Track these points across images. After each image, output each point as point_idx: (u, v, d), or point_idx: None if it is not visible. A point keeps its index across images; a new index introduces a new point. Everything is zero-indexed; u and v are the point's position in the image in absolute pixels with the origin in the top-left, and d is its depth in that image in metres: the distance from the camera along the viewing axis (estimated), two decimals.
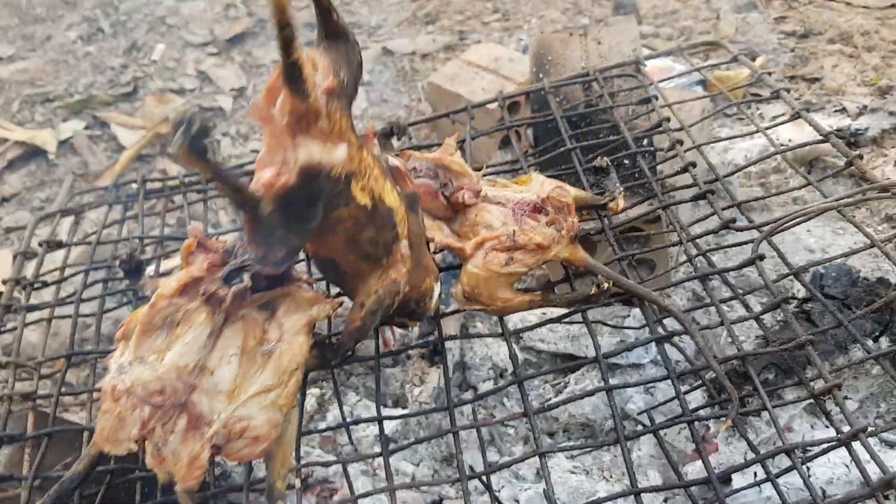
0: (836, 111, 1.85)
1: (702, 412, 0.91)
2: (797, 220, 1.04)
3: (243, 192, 0.65)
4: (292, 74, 0.64)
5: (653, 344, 1.35)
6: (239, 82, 2.37)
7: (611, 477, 1.25)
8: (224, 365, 0.76)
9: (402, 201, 0.83)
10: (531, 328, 1.03)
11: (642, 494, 0.83)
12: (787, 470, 0.81)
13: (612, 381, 0.96)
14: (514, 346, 1.41)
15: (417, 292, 0.90)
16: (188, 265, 0.82)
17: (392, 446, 0.97)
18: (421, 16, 2.52)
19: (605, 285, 0.96)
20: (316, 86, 0.68)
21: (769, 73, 1.26)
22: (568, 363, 1.39)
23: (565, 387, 1.36)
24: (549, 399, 1.34)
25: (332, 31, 0.76)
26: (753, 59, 1.95)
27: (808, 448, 0.90)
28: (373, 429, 1.33)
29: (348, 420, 0.99)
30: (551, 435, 1.33)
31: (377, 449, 1.30)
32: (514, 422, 1.36)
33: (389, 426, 1.38)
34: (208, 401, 0.75)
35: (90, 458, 0.79)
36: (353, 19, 2.55)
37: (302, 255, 1.05)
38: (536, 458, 1.26)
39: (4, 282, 1.16)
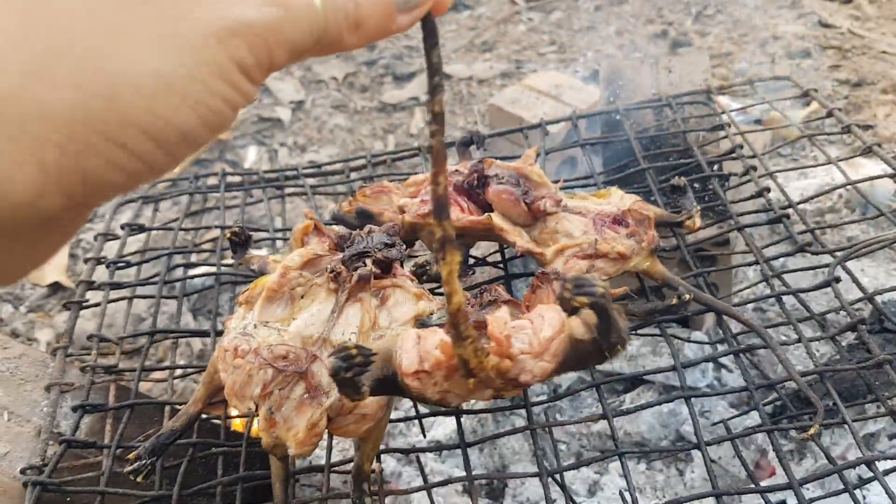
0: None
1: (780, 424, 0.92)
2: (873, 247, 1.07)
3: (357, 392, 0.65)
4: (464, 367, 0.62)
5: (710, 368, 1.38)
6: (298, 96, 2.42)
7: (663, 496, 1.26)
8: (345, 342, 0.78)
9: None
10: None
11: None
12: (866, 482, 0.83)
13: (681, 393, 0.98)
14: None
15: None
16: (302, 245, 0.85)
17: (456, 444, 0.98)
18: (478, 43, 2.57)
19: (687, 296, 0.97)
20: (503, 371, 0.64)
21: (839, 110, 1.29)
22: (625, 384, 1.42)
23: (620, 405, 1.37)
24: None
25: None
26: (808, 104, 1.98)
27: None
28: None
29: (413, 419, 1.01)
30: (603, 452, 1.34)
31: (430, 454, 1.32)
32: (566, 437, 1.37)
33: (444, 432, 1.40)
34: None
35: (188, 416, 0.82)
36: (411, 43, 2.61)
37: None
38: (591, 473, 1.29)
39: (86, 261, 1.19)
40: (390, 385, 0.65)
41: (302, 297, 0.82)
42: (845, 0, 2.54)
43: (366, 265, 0.83)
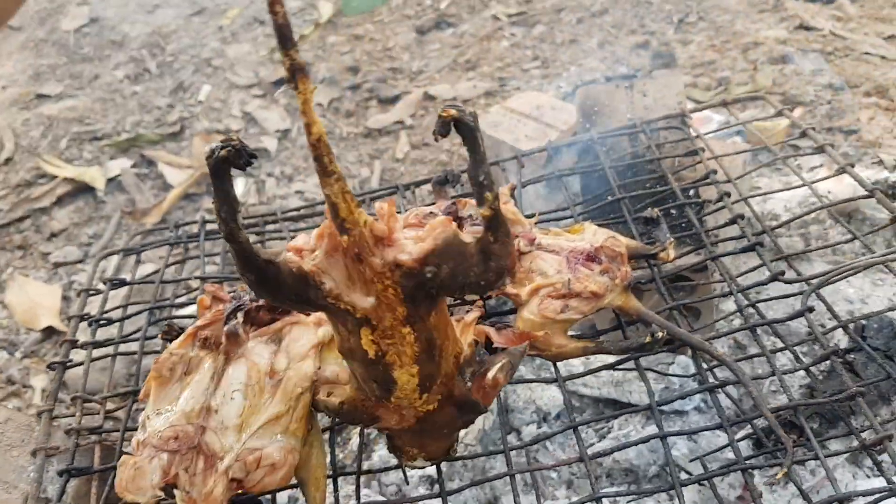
0: (873, 163, 1.88)
1: (753, 461, 0.93)
2: (844, 274, 1.07)
3: (233, 227, 0.61)
4: (332, 211, 0.60)
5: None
6: (284, 124, 2.43)
7: None
8: (227, 402, 0.79)
9: (437, 397, 0.74)
10: (585, 374, 1.05)
11: None
12: None
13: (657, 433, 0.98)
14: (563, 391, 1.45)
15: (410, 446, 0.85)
16: None
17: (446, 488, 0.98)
18: (461, 62, 2.58)
19: (660, 334, 0.98)
20: (373, 239, 0.62)
21: (813, 129, 1.29)
22: (613, 408, 1.42)
23: (609, 432, 1.38)
24: (593, 443, 1.36)
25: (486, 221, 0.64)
26: (792, 111, 1.98)
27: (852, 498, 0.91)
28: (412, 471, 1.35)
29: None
30: (593, 486, 1.35)
31: (421, 490, 1.32)
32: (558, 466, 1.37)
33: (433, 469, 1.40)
34: (218, 438, 0.78)
35: None
36: (395, 65, 2.62)
37: None
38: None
39: (69, 318, 1.20)
40: (269, 274, 0.62)
41: (187, 373, 0.83)
42: (827, 1, 2.54)
43: (237, 319, 0.85)
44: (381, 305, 0.63)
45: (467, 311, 0.88)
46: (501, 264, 0.63)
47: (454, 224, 0.63)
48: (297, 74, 0.52)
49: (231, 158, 0.58)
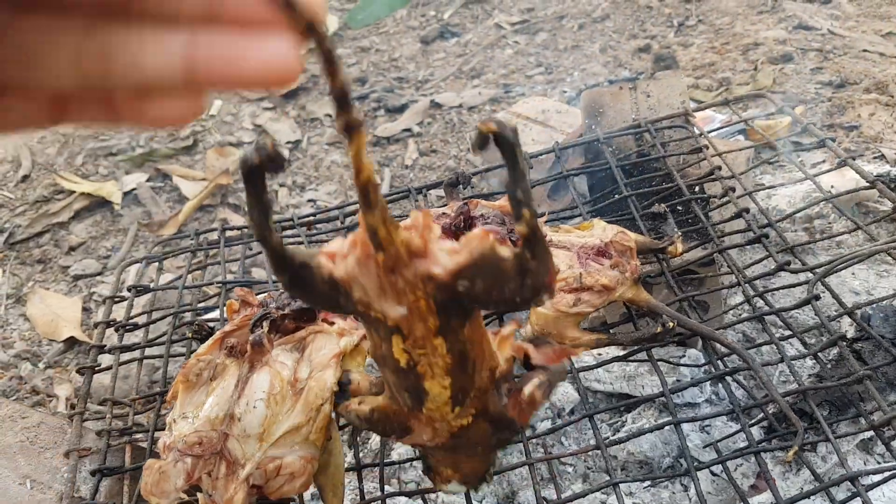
0: (874, 158, 1.91)
1: (766, 445, 0.96)
2: (849, 262, 1.10)
3: (265, 231, 0.55)
4: (371, 235, 0.57)
5: (707, 383, 1.41)
6: (294, 135, 2.47)
7: None
8: (250, 411, 0.82)
9: (474, 412, 0.70)
10: (597, 366, 1.08)
11: None
12: (851, 498, 0.86)
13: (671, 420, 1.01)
14: (576, 384, 1.48)
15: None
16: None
17: None
18: (466, 70, 2.62)
19: (671, 324, 1.01)
20: (411, 255, 0.58)
21: (813, 124, 1.33)
22: (625, 402, 1.45)
23: (622, 426, 1.41)
24: (608, 437, 1.39)
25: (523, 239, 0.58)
26: (793, 108, 2.01)
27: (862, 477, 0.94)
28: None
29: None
30: (610, 473, 1.38)
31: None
32: (573, 460, 1.40)
33: None
34: (240, 446, 0.81)
35: None
36: (401, 74, 2.66)
37: None
38: (598, 495, 1.33)
39: (96, 325, 1.24)
40: (302, 277, 0.59)
41: (213, 379, 0.87)
42: (825, 0, 2.58)
43: (264, 328, 0.87)
44: (413, 315, 0.61)
45: (501, 326, 0.88)
46: (539, 281, 0.58)
47: (492, 237, 0.59)
48: (352, 132, 0.49)
49: (264, 164, 0.56)
